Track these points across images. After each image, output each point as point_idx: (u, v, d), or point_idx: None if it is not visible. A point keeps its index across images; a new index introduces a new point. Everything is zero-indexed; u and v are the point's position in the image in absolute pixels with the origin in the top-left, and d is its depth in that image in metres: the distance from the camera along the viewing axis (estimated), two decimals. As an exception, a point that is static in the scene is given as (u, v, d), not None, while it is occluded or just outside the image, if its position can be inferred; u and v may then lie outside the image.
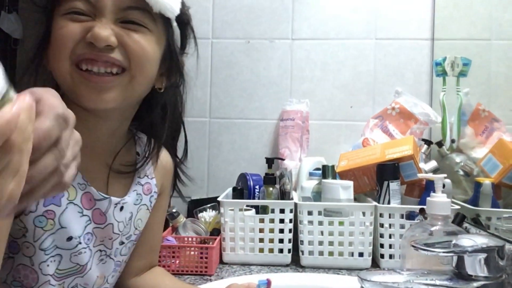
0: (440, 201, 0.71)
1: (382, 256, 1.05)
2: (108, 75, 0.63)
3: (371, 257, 1.06)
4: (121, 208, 0.72)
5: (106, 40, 0.61)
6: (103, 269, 0.72)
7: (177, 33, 0.73)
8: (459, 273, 0.55)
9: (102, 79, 0.62)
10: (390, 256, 1.05)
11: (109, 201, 0.69)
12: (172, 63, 0.72)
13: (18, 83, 0.40)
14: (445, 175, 0.73)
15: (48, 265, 0.64)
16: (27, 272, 0.63)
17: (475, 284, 0.54)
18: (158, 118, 0.76)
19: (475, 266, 0.54)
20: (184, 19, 0.72)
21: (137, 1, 0.64)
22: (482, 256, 0.53)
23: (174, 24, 0.70)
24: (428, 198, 0.73)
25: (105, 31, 0.61)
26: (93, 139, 0.68)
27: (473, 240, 0.54)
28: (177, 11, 0.68)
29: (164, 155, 0.83)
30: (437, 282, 0.54)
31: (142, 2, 0.64)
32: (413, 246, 0.55)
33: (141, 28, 0.64)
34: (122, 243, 0.74)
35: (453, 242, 0.55)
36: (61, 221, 0.64)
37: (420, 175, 0.78)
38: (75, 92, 0.63)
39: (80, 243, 0.66)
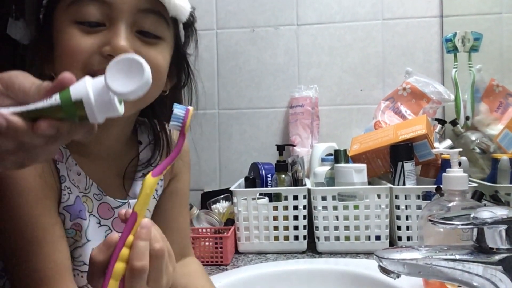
0: (457, 176, 0.69)
1: (399, 238, 1.03)
2: None
3: (388, 240, 1.05)
4: None
5: (126, 52, 0.56)
6: None
7: (182, 35, 0.70)
8: (480, 247, 0.53)
9: None
10: (408, 238, 1.03)
11: (128, 206, 0.69)
12: (181, 67, 0.70)
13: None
14: (461, 149, 0.71)
15: (76, 275, 0.65)
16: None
17: (497, 257, 0.52)
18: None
19: (496, 239, 0.52)
20: (190, 21, 0.69)
21: (154, 4, 0.60)
22: (503, 227, 0.51)
23: (181, 26, 0.68)
24: (444, 174, 0.71)
25: (125, 41, 0.57)
26: (103, 148, 0.68)
27: (492, 211, 0.52)
28: (188, 14, 0.66)
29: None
30: (457, 257, 0.52)
31: (160, 5, 0.61)
32: (430, 220, 0.53)
33: (157, 41, 0.62)
34: None
35: (472, 215, 0.53)
36: (87, 234, 0.65)
37: (434, 151, 0.76)
38: None
39: None
